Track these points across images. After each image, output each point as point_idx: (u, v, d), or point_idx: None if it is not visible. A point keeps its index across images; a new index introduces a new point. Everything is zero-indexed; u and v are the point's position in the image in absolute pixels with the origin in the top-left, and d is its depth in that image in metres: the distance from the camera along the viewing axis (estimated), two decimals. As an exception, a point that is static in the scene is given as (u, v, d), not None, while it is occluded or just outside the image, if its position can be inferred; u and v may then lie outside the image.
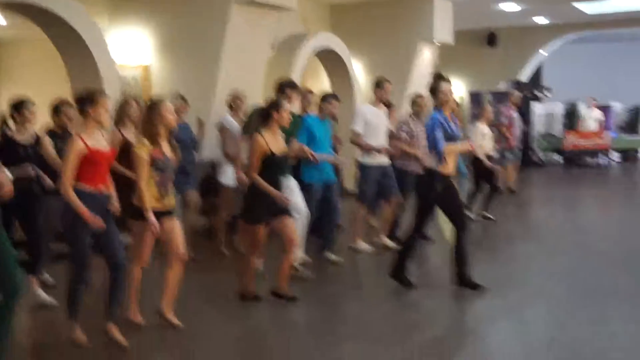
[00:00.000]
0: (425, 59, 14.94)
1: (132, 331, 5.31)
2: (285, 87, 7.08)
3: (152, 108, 5.30)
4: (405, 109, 12.98)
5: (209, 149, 8.73)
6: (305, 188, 7.39)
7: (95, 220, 4.88)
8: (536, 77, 21.87)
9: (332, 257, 7.72)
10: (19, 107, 6.10)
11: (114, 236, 5.09)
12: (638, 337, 5.20)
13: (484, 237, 9.63)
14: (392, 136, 8.54)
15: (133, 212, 5.31)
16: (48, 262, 6.50)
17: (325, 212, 7.58)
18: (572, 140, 18.92)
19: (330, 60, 13.07)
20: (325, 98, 7.75)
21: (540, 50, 20.76)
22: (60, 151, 5.17)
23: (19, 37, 12.77)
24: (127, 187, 5.59)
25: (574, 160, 19.12)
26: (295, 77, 10.73)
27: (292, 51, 11.66)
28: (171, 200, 5.43)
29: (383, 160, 8.20)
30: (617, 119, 21.58)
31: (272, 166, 5.98)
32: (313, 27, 13.63)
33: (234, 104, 8.20)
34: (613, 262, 7.83)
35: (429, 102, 7.16)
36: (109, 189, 5.16)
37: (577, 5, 16.84)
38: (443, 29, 14.60)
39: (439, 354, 4.99)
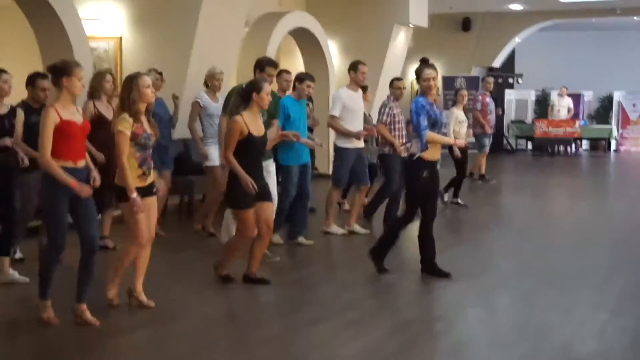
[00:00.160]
0: (400, 42, 14.91)
1: (104, 311, 5.25)
2: (265, 65, 6.86)
3: (130, 82, 5.16)
4: (381, 91, 13.00)
5: (183, 126, 8.62)
6: (282, 171, 7.34)
7: (82, 188, 4.78)
8: (509, 64, 21.98)
9: (305, 241, 7.70)
10: None
11: (91, 219, 4.98)
12: (607, 324, 5.26)
13: (454, 223, 9.69)
14: (366, 120, 8.53)
15: (117, 194, 5.21)
16: (21, 239, 6.41)
17: (297, 196, 7.54)
18: (542, 128, 19.07)
19: (305, 39, 12.98)
20: (300, 78, 7.67)
21: (516, 38, 20.86)
22: (36, 125, 5.03)
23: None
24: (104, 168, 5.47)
25: (544, 147, 19.28)
26: (270, 56, 10.63)
27: (266, 29, 11.55)
28: (152, 177, 5.34)
29: (359, 144, 8.18)
30: (588, 108, 21.80)
31: (250, 148, 5.84)
32: (288, 5, 13.52)
33: (210, 83, 8.08)
34: (582, 249, 7.93)
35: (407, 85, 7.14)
36: (86, 162, 5.03)
37: (552, -8, 16.96)
38: (418, 12, 14.57)
39: (407, 338, 5.00)
